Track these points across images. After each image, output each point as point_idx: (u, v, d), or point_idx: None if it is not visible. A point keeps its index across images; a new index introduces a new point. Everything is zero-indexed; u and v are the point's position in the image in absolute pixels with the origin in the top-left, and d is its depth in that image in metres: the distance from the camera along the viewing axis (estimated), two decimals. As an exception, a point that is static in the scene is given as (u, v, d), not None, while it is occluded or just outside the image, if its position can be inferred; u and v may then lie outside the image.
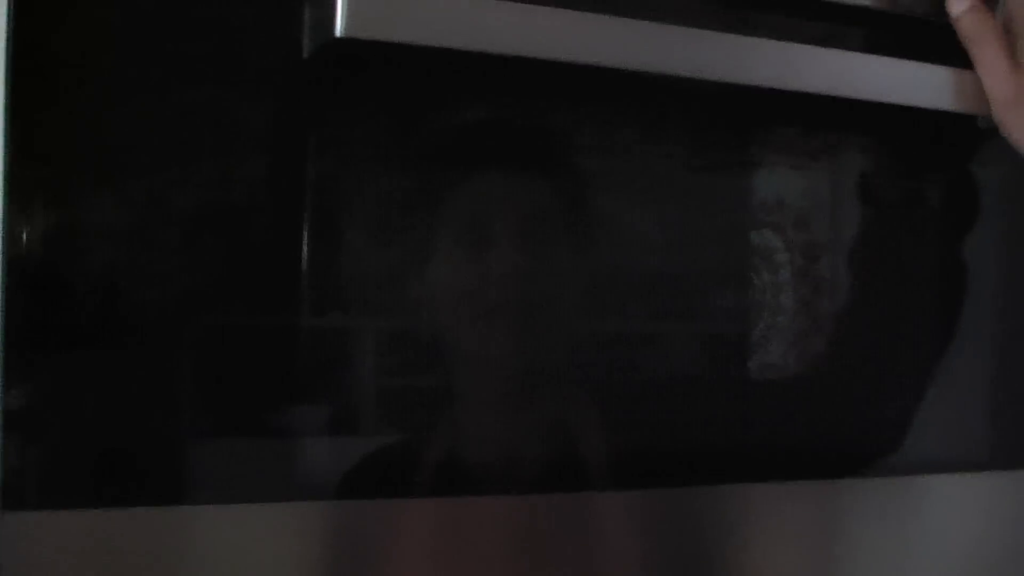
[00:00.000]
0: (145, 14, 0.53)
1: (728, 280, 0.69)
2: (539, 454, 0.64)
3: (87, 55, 0.52)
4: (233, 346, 0.56)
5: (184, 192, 0.54)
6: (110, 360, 0.53)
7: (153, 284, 0.54)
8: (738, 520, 0.66)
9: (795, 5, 0.67)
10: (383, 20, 0.51)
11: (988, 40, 0.66)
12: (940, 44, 0.68)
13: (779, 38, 0.62)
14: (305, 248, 0.57)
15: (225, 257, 0.55)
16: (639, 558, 0.64)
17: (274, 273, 0.57)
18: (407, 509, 0.59)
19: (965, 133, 0.71)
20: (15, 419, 0.51)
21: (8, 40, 0.49)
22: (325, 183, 0.57)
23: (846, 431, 0.71)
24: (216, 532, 0.54)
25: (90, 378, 0.53)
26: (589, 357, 0.66)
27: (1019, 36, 0.67)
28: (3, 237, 0.50)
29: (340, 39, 0.51)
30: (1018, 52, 0.66)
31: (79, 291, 0.52)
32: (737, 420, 0.68)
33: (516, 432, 0.65)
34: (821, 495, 0.68)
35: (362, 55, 0.55)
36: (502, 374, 0.65)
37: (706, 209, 0.67)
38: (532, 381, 0.65)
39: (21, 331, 0.51)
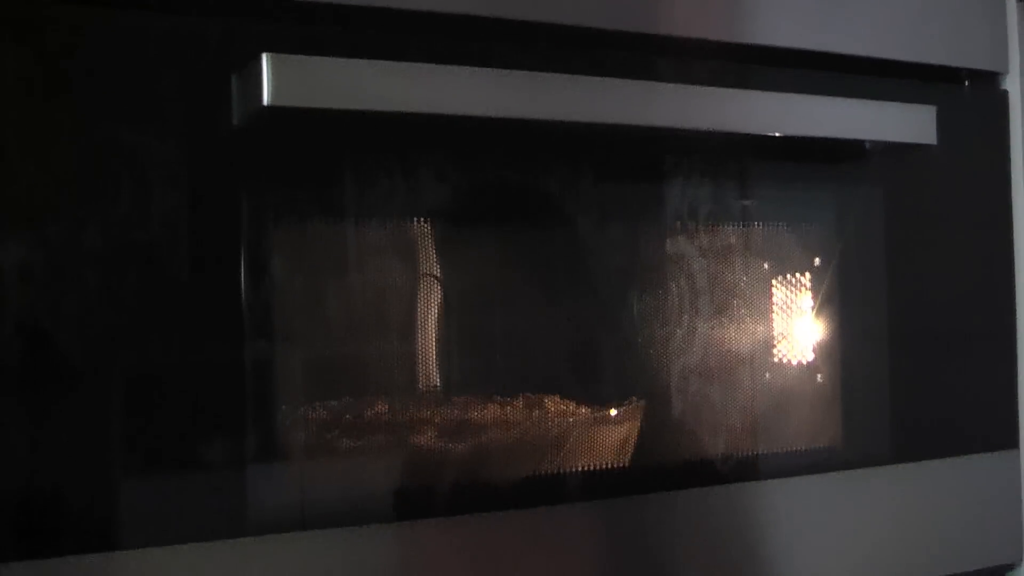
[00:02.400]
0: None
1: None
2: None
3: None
4: (161, 380, 0.56)
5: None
6: (32, 401, 0.53)
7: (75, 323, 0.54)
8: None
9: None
10: (305, 89, 0.55)
11: None
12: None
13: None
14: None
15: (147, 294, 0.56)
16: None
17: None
18: (364, 535, 0.60)
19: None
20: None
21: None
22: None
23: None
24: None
25: (11, 421, 0.53)
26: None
27: None
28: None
29: (268, 107, 0.54)
30: None
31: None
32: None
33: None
34: (747, 495, 0.74)
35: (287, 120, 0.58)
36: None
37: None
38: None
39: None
